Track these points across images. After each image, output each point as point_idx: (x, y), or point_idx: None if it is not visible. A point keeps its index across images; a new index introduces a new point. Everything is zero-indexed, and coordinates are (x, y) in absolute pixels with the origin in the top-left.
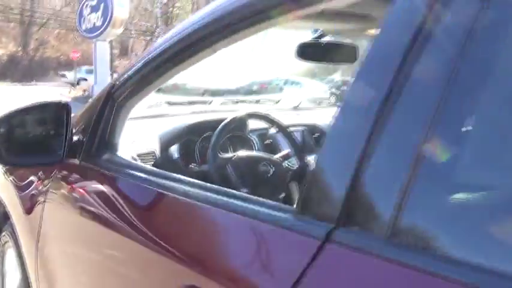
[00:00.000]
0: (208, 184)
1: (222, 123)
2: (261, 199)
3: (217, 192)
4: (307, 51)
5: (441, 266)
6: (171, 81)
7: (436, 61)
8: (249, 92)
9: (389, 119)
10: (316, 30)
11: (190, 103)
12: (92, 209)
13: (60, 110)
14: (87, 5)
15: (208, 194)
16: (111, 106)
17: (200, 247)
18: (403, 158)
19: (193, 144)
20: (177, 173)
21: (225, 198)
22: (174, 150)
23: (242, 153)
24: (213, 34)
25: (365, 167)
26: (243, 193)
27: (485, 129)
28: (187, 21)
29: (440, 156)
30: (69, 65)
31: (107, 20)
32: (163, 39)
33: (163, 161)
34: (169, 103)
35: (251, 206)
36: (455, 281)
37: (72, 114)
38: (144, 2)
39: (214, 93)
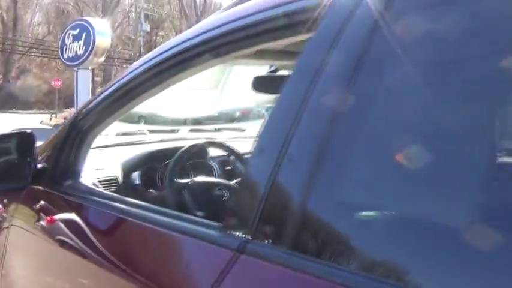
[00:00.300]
0: (149, 205)
1: (180, 151)
2: (192, 217)
3: (156, 211)
4: (262, 84)
5: (341, 274)
6: (152, 111)
7: (330, 96)
8: (232, 118)
9: (291, 149)
10: (271, 66)
11: (156, 131)
12: (53, 234)
13: (25, 139)
14: (69, 34)
15: (148, 213)
16: (75, 135)
17: (138, 263)
18: (301, 180)
19: (156, 171)
20: (137, 198)
21: (162, 217)
22: (135, 176)
23: (199, 178)
24: (169, 68)
25: (273, 188)
26: (177, 212)
27: (377, 149)
28: (147, 56)
29: (333, 177)
30: (51, 93)
31: (89, 49)
32: (123, 74)
33: (125, 187)
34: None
35: (183, 224)
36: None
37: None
38: (127, 30)
39: (196, 121)
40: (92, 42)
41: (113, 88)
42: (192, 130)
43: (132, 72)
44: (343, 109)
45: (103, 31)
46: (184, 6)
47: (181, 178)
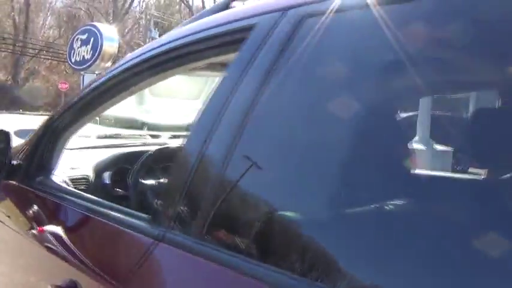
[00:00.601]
0: (97, 199)
1: (146, 154)
2: (130, 210)
3: (101, 205)
4: None
5: (239, 262)
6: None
7: (242, 105)
8: None
9: (208, 150)
10: None
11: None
12: (21, 226)
13: (1, 137)
14: (77, 39)
15: (95, 207)
16: (49, 135)
17: (82, 250)
18: (214, 178)
19: (127, 172)
20: (104, 196)
21: (105, 210)
22: (105, 176)
23: (163, 180)
24: (135, 75)
25: (192, 183)
26: (117, 206)
27: (277, 151)
28: (116, 65)
29: (239, 176)
30: (58, 95)
31: (96, 54)
32: (94, 80)
33: (95, 186)
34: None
35: (121, 216)
36: (244, 272)
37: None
38: (137, 36)
39: (180, 128)
40: (99, 47)
41: (85, 92)
42: (172, 136)
43: (101, 78)
44: (251, 117)
45: (111, 37)
46: (194, 15)
47: (150, 180)
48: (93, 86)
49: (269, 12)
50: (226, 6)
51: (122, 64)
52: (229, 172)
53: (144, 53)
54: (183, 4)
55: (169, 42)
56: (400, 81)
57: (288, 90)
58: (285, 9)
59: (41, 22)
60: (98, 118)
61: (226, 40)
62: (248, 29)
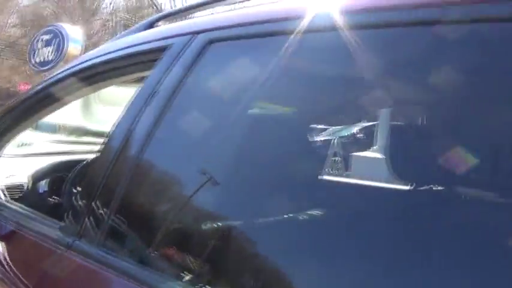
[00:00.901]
0: (21, 208)
1: (82, 162)
2: (50, 219)
3: (23, 214)
4: None
5: (137, 271)
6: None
7: (155, 111)
8: None
9: (116, 161)
10: None
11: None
12: None
13: None
14: (40, 39)
15: (16, 215)
16: None
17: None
18: (116, 189)
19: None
20: (39, 205)
21: (24, 218)
22: (41, 184)
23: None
24: (68, 86)
25: (99, 194)
26: (36, 214)
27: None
28: (55, 73)
29: (140, 193)
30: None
31: (60, 55)
32: (30, 89)
33: (30, 194)
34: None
35: (40, 225)
36: (141, 281)
37: None
38: (104, 38)
39: None
40: (63, 49)
41: (20, 100)
42: None
43: (37, 87)
44: (157, 130)
45: (75, 38)
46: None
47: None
48: (28, 94)
49: (182, 34)
50: (151, 25)
51: (57, 74)
52: (134, 183)
53: (76, 65)
54: (152, 7)
55: (97, 57)
56: (292, 101)
57: (193, 105)
58: (196, 33)
59: (4, 20)
60: (57, 127)
61: (147, 58)
62: (164, 49)
